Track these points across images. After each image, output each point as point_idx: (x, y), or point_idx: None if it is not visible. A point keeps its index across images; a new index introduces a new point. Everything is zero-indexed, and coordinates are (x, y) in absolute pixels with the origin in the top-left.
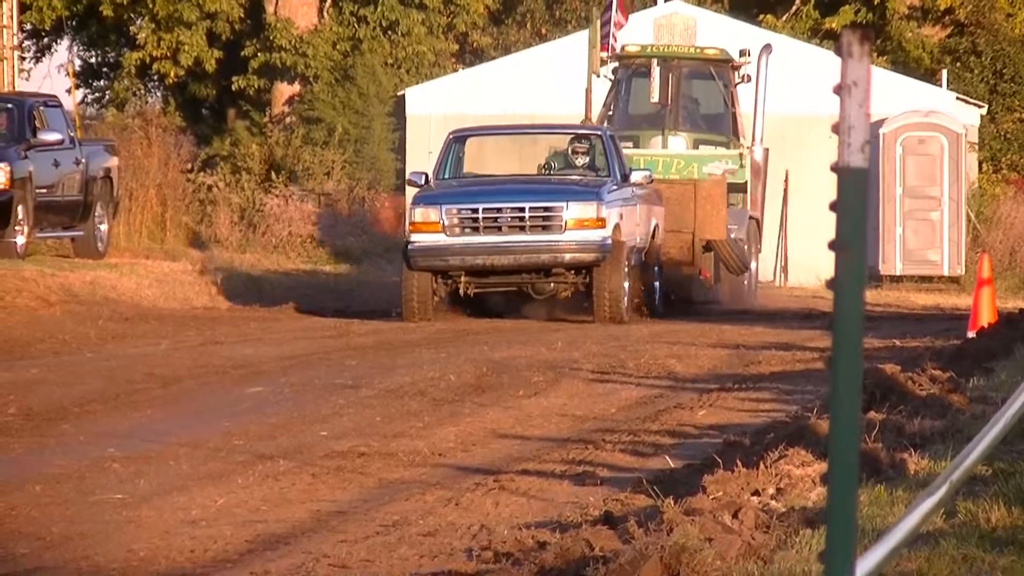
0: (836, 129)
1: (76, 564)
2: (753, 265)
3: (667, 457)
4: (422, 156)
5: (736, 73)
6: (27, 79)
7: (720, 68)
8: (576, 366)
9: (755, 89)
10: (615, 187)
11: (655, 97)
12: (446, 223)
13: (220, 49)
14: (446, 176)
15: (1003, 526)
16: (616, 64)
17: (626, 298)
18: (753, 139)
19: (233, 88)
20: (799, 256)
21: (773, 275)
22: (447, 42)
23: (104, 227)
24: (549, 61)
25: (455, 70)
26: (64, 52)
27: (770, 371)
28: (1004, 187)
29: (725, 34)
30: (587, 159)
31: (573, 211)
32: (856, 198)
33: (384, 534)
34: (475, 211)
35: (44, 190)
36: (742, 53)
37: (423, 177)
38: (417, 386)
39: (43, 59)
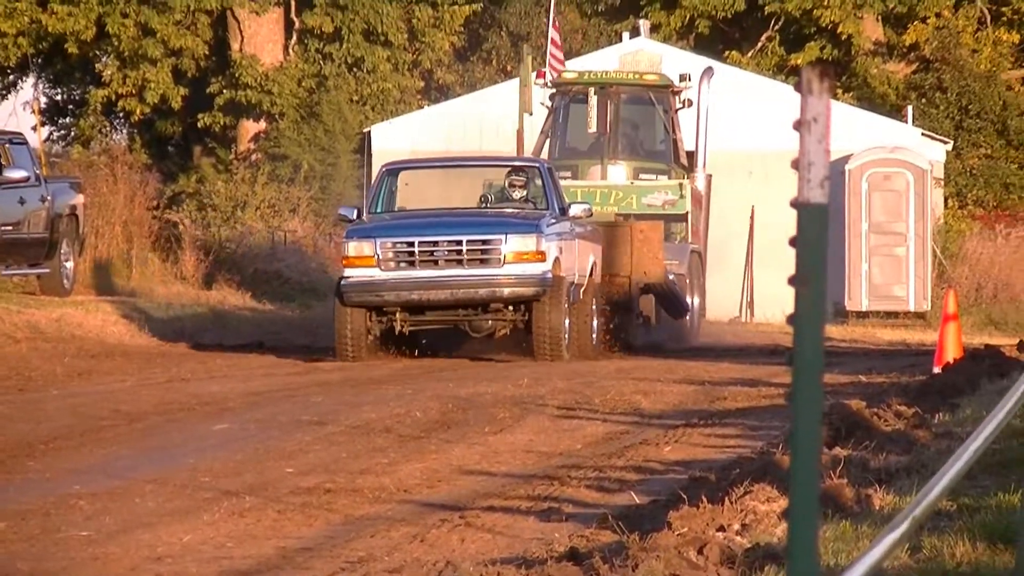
0: (796, 165)
1: None
2: (696, 301)
3: (633, 493)
4: None
5: (677, 98)
6: None
7: (660, 94)
8: (542, 402)
9: (696, 114)
10: (553, 221)
11: (592, 126)
12: (380, 257)
13: (186, 86)
14: (379, 210)
15: (967, 561)
16: (553, 91)
17: (566, 335)
18: (694, 166)
19: (199, 125)
20: (765, 291)
21: (739, 311)
22: (413, 79)
23: (70, 264)
24: (514, 97)
25: (420, 107)
26: (29, 89)
27: (736, 407)
28: (970, 223)
29: (690, 70)
30: (524, 192)
31: (512, 244)
32: (816, 234)
33: (350, 570)
34: (411, 244)
35: (9, 227)
36: (682, 78)
37: (355, 212)
38: (383, 422)
39: (8, 96)
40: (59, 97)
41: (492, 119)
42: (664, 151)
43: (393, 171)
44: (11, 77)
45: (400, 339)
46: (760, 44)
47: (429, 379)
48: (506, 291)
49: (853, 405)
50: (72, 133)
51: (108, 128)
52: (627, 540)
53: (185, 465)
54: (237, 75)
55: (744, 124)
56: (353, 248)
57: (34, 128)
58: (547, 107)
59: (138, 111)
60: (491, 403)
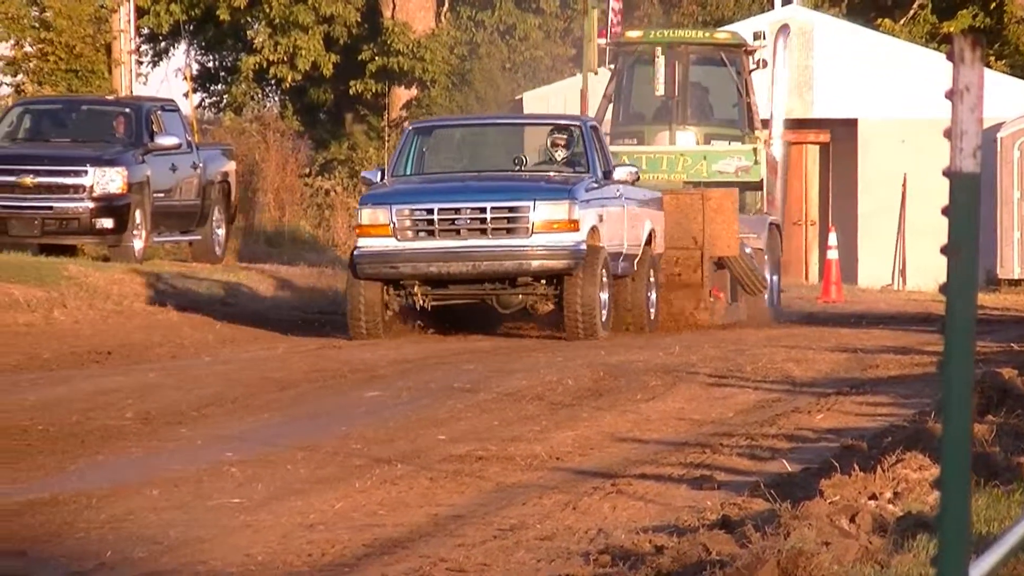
0: (948, 134)
1: (193, 568)
2: (775, 277)
3: (784, 461)
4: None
5: (750, 59)
6: (144, 83)
7: (732, 54)
8: (693, 370)
9: (772, 76)
10: (594, 185)
11: (660, 89)
12: (397, 225)
13: (337, 53)
14: (406, 172)
15: None
16: (616, 52)
17: (604, 311)
18: (771, 132)
19: (350, 92)
20: (918, 260)
21: (892, 279)
22: (564, 46)
23: (221, 232)
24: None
25: (572, 75)
26: (181, 56)
27: (888, 375)
28: None
29: (843, 38)
30: (567, 152)
31: (541, 212)
32: (968, 202)
33: (501, 538)
34: (430, 212)
35: (162, 194)
36: (756, 36)
37: (379, 175)
38: (534, 390)
39: (160, 63)
40: (211, 64)
41: None
42: (737, 116)
43: (423, 130)
44: (163, 44)
45: (424, 315)
46: (912, 12)
47: (580, 346)
48: (534, 263)
49: (1005, 373)
50: (224, 100)
51: (260, 95)
52: (779, 508)
53: (336, 432)
54: (389, 42)
55: (896, 92)
56: (367, 215)
57: (186, 95)
58: (609, 70)
59: (289, 78)
60: (642, 371)
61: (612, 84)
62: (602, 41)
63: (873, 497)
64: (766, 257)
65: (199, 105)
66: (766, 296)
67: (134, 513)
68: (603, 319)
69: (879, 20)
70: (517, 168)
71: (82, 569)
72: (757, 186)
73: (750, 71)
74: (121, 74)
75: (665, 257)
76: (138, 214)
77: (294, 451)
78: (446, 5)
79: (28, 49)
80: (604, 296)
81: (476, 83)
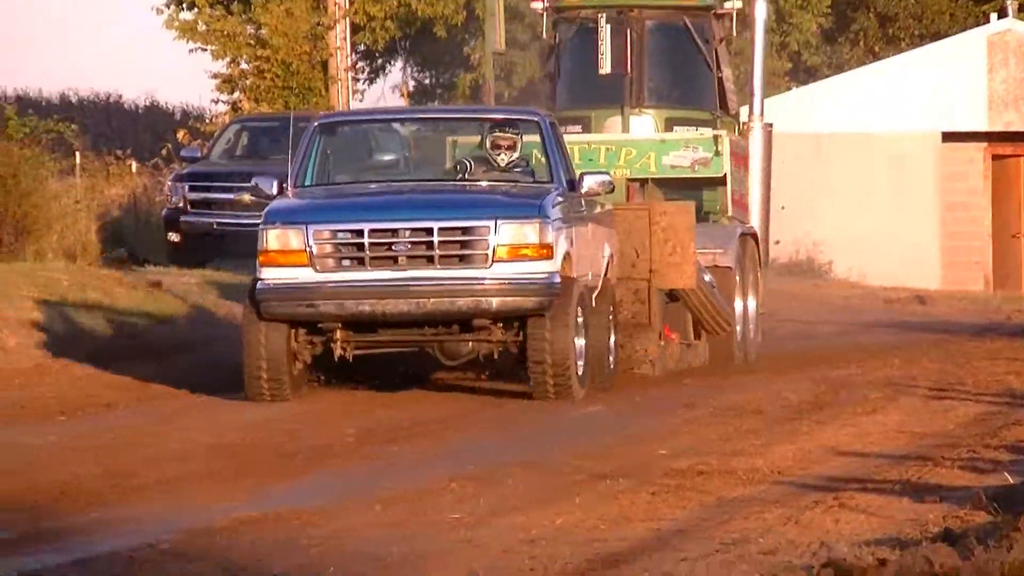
0: None
1: None
2: (750, 305)
3: (1006, 474)
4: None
5: (722, 23)
6: (361, 100)
7: (698, 18)
8: (913, 383)
9: (752, 42)
10: (560, 199)
11: (606, 65)
12: (315, 251)
13: None
14: (310, 182)
15: None
16: (555, 20)
17: (579, 362)
18: (750, 112)
19: None
20: None
21: None
22: (780, 61)
23: None
24: (882, 79)
25: (787, 89)
26: (398, 73)
27: None
28: None
29: None
30: (512, 155)
31: (505, 234)
32: None
33: (724, 552)
34: (359, 233)
35: None
36: None
37: (273, 184)
38: (753, 404)
39: (377, 80)
40: (427, 80)
41: (861, 101)
42: (705, 94)
43: (329, 127)
44: (379, 61)
45: (333, 366)
46: None
47: (799, 360)
48: (495, 301)
49: None
50: None
51: None
52: (1001, 521)
53: (555, 448)
54: None
55: None
56: (275, 237)
57: None
58: (552, 43)
59: (506, 95)
60: (862, 384)
61: (551, 59)
62: (538, 5)
63: None
64: (736, 278)
65: None
66: (736, 330)
67: (355, 530)
68: (579, 372)
69: None
70: (461, 177)
71: None
72: (719, 183)
73: (721, 39)
74: (338, 91)
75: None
76: None
77: (512, 467)
78: None
79: (244, 66)
80: (580, 343)
81: None
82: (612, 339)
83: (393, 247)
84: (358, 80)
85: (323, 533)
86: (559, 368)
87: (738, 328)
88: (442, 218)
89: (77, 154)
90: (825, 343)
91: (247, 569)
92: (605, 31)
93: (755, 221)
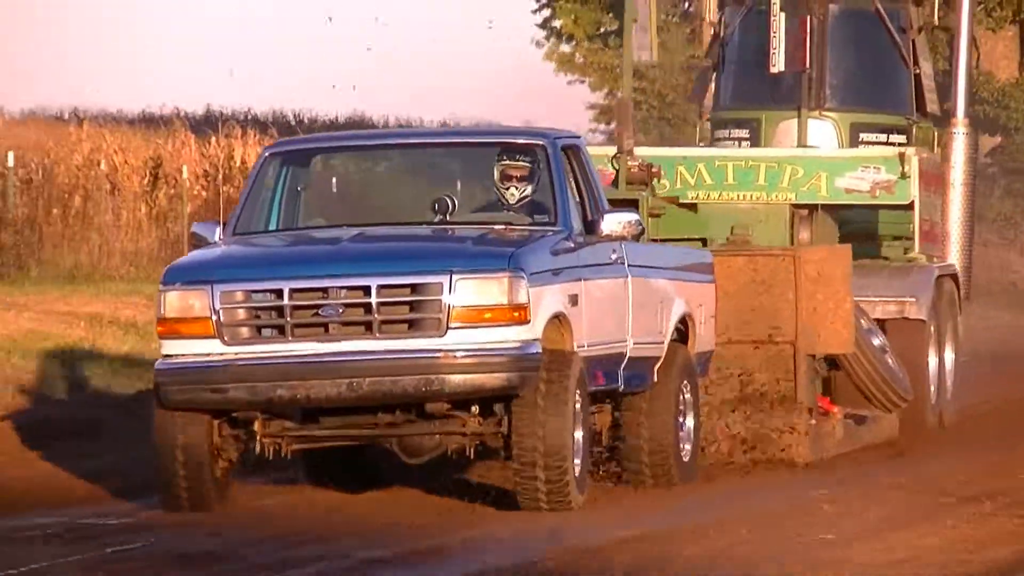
0: None
1: None
2: (947, 359)
3: None
4: None
5: (920, 10)
6: None
7: (893, 2)
8: None
9: (954, 36)
10: (567, 244)
11: (778, 62)
12: (223, 318)
13: None
14: (258, 228)
15: None
16: (721, 8)
17: (577, 459)
18: (953, 115)
19: None
20: None
21: None
22: None
23: None
24: None
25: None
26: None
27: None
28: None
29: None
30: (526, 190)
31: (464, 292)
32: None
33: None
34: (277, 294)
35: None
36: None
37: (215, 230)
38: None
39: None
40: None
41: None
42: (899, 94)
43: (283, 156)
44: None
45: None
46: None
47: None
48: (452, 380)
49: None
50: None
51: None
52: None
53: (927, 471)
54: (974, 90)
55: None
56: (175, 302)
57: None
58: (713, 25)
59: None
60: None
61: (715, 47)
62: None
63: None
64: (931, 330)
65: None
66: (933, 389)
67: (727, 550)
68: (576, 474)
69: None
70: (437, 220)
71: None
72: (905, 210)
73: (917, 29)
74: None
75: (725, 356)
76: None
77: (885, 489)
78: None
79: None
80: (579, 435)
81: None
82: (690, 422)
83: (321, 312)
84: None
85: (695, 552)
86: (552, 466)
87: (932, 388)
88: (382, 273)
89: None
90: None
91: None
92: (779, 18)
93: (954, 254)
